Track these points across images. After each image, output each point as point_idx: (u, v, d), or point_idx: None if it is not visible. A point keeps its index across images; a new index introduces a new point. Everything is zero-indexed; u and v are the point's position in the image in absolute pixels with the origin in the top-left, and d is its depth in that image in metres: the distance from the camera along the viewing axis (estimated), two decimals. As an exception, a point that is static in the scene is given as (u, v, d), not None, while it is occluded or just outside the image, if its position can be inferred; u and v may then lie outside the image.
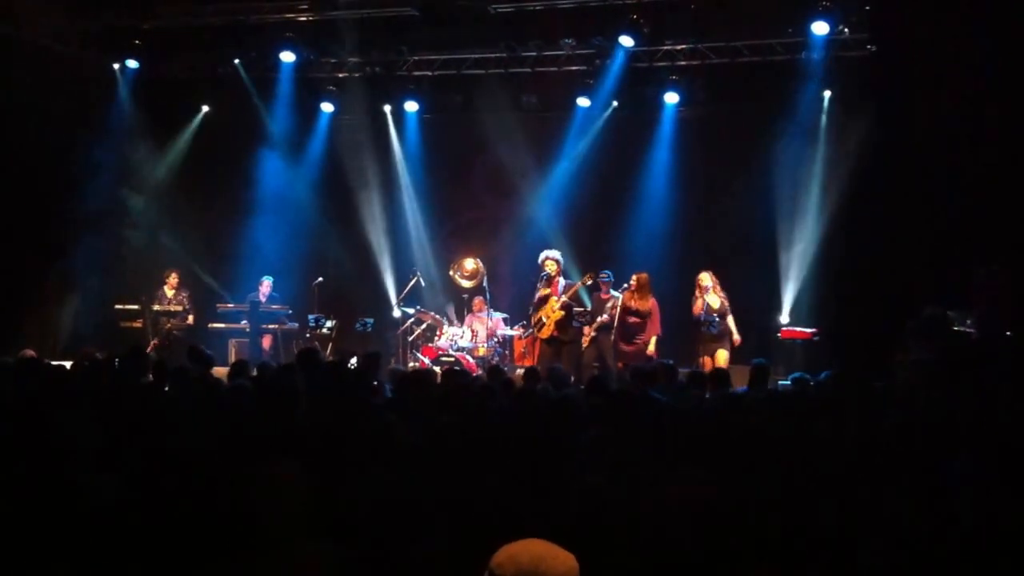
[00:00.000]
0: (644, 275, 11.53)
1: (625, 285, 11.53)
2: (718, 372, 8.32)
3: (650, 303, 11.47)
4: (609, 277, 11.89)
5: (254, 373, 7.71)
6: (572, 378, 9.58)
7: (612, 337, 11.48)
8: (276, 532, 3.04)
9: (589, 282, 11.76)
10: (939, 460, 3.93)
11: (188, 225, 14.29)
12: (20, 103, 11.99)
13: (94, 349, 8.72)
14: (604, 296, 11.83)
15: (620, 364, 11.20)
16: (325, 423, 4.80)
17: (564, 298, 11.57)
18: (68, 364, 8.71)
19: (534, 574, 2.33)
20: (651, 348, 11.47)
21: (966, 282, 10.12)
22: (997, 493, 3.42)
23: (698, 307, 11.27)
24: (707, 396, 6.98)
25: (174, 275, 13.30)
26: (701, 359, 11.25)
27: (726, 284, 11.47)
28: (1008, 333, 9.97)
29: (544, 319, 11.62)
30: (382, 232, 14.76)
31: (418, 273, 13.73)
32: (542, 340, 11.76)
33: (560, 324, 11.56)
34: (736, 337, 11.30)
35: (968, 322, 10.06)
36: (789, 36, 12.41)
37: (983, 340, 9.65)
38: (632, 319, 11.40)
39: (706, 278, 11.31)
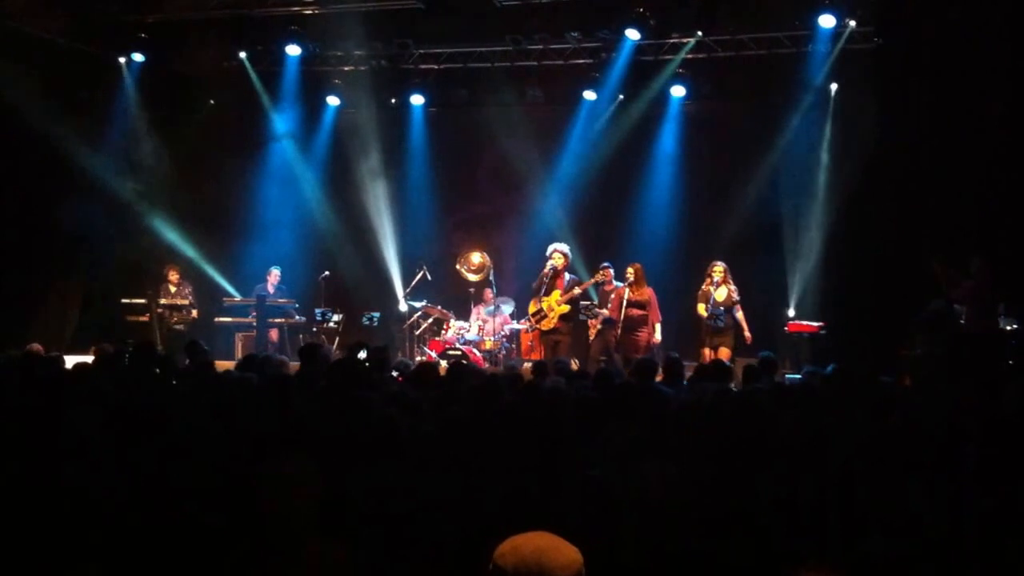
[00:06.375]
0: (639, 265, 11.54)
1: (625, 281, 11.50)
2: (720, 365, 8.31)
3: (647, 292, 11.48)
4: (608, 266, 11.91)
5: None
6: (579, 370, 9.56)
7: (617, 330, 11.46)
8: (288, 530, 3.04)
9: (600, 279, 11.76)
10: (945, 455, 3.93)
11: (194, 219, 14.29)
12: (25, 97, 11.99)
13: (109, 344, 8.71)
14: (608, 288, 11.82)
15: (626, 357, 11.19)
16: (329, 418, 4.80)
17: (577, 290, 11.57)
18: (76, 359, 8.76)
19: (536, 566, 2.34)
20: (656, 336, 11.47)
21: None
22: (1003, 487, 3.42)
23: (702, 309, 11.28)
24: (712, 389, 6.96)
25: (174, 271, 13.33)
26: (703, 351, 11.24)
27: (733, 277, 11.43)
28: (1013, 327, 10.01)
29: (546, 311, 11.59)
30: (388, 226, 14.76)
31: (424, 267, 13.73)
32: (541, 331, 11.74)
33: (564, 318, 11.56)
34: (747, 334, 11.27)
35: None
36: (795, 29, 12.39)
37: (987, 334, 9.68)
38: (634, 311, 11.38)
39: (719, 271, 11.26)
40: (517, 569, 2.33)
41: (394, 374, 7.71)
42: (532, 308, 11.78)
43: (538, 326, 11.72)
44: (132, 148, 13.90)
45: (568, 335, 11.69)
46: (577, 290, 11.58)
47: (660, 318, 11.54)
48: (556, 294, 11.57)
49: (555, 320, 11.55)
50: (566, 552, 2.40)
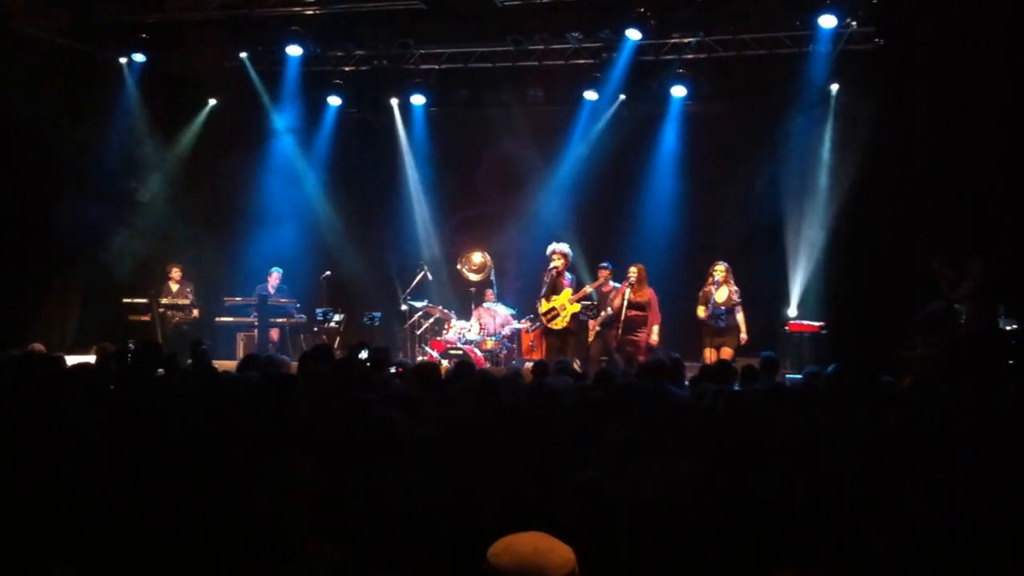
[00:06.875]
0: (641, 266, 11.55)
1: (626, 281, 11.50)
2: (724, 366, 8.30)
3: (648, 294, 11.49)
4: (608, 266, 11.91)
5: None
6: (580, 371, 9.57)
7: (616, 331, 11.45)
8: (286, 531, 3.05)
9: (603, 280, 11.79)
10: (942, 455, 3.93)
11: (195, 219, 14.31)
12: (26, 98, 12.01)
13: (110, 344, 8.73)
14: (606, 288, 11.83)
15: (627, 358, 11.20)
16: (328, 419, 4.81)
17: (588, 288, 11.66)
18: (78, 359, 8.76)
19: (531, 565, 2.34)
20: (654, 337, 11.48)
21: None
22: (999, 488, 3.42)
23: (702, 312, 11.28)
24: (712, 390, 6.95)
25: (176, 269, 13.37)
26: (704, 351, 11.25)
27: (734, 278, 11.43)
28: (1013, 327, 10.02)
29: (559, 311, 11.62)
30: (389, 225, 14.78)
31: (425, 267, 13.75)
32: (551, 331, 11.75)
33: (573, 316, 11.63)
34: (743, 335, 11.26)
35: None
36: (796, 29, 12.39)
37: (987, 334, 9.69)
38: (633, 312, 11.39)
39: (720, 271, 11.26)
40: (511, 568, 2.33)
41: (392, 370, 7.71)
42: (544, 307, 11.78)
43: (550, 325, 11.73)
44: (133, 148, 13.91)
45: (577, 334, 11.76)
46: (588, 288, 11.67)
47: (659, 319, 11.56)
48: (567, 292, 11.62)
49: (567, 319, 11.61)
50: (560, 552, 2.40)
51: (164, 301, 13.11)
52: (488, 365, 11.83)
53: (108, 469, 3.78)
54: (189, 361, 8.19)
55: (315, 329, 13.59)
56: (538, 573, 2.33)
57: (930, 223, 11.25)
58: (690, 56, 13.17)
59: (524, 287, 13.30)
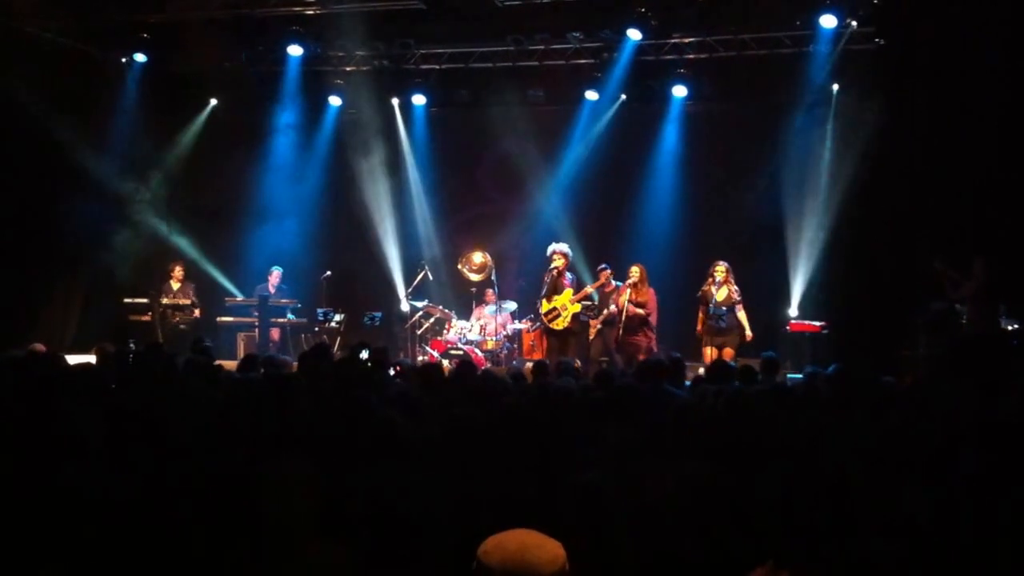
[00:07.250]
0: (642, 266, 11.55)
1: (628, 281, 11.49)
2: (724, 366, 8.30)
3: (649, 294, 11.49)
4: (606, 268, 11.92)
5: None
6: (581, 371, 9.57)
7: (616, 331, 11.45)
8: (288, 531, 3.05)
9: (605, 281, 11.79)
10: (943, 456, 3.93)
11: (196, 219, 14.32)
12: (27, 98, 12.01)
13: (111, 344, 8.73)
14: (608, 289, 11.83)
15: (628, 358, 11.19)
16: (329, 419, 4.81)
17: (589, 289, 11.70)
18: (79, 359, 8.76)
19: (521, 562, 2.34)
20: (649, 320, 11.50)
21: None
22: (1000, 490, 3.42)
23: (700, 318, 11.30)
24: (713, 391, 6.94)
25: (179, 267, 13.38)
26: (705, 350, 11.24)
27: (735, 277, 11.42)
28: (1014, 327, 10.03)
29: (560, 311, 11.62)
30: (390, 226, 14.78)
31: (426, 267, 13.74)
32: (552, 331, 11.75)
33: (574, 317, 11.64)
34: (748, 332, 11.25)
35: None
36: (797, 29, 12.38)
37: (990, 335, 9.69)
38: (634, 312, 11.39)
39: (720, 271, 11.25)
40: (502, 566, 2.33)
41: (391, 372, 7.71)
42: (545, 307, 11.78)
43: (551, 325, 11.73)
44: (133, 148, 13.91)
45: (578, 334, 11.76)
46: (589, 289, 11.70)
47: (656, 320, 11.56)
48: (568, 293, 11.63)
49: (568, 319, 11.61)
50: (550, 548, 2.40)
51: (165, 301, 13.11)
52: (489, 365, 11.83)
53: (108, 469, 3.78)
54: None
55: (316, 329, 13.59)
56: (528, 570, 2.33)
57: (930, 223, 11.26)
58: (691, 56, 13.16)
59: (527, 286, 13.28)
